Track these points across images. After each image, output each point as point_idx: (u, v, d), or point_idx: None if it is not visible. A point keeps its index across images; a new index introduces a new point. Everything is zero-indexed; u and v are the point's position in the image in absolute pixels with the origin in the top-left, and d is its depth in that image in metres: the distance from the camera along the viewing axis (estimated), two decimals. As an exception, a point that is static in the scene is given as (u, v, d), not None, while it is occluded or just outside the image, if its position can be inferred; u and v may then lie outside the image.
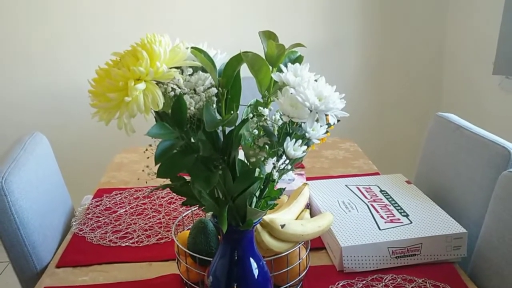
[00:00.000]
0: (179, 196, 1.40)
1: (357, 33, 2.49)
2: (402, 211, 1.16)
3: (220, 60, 0.72)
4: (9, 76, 2.40)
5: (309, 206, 1.24)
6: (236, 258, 0.77)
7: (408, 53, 2.55)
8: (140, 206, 1.36)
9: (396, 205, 1.19)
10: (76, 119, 2.47)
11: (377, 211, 1.16)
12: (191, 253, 0.93)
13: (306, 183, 1.10)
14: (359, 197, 1.24)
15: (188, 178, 0.72)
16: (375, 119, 2.64)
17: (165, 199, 1.40)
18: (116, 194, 1.43)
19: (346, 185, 1.31)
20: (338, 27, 2.47)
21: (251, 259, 0.78)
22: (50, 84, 2.42)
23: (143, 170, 1.59)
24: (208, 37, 2.34)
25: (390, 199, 1.22)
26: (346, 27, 2.48)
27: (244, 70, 0.70)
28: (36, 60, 2.38)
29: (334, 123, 0.65)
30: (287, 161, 0.68)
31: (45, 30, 2.34)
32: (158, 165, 0.64)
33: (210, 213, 1.06)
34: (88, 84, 0.67)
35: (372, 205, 1.20)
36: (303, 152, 0.66)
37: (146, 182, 1.49)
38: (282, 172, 0.70)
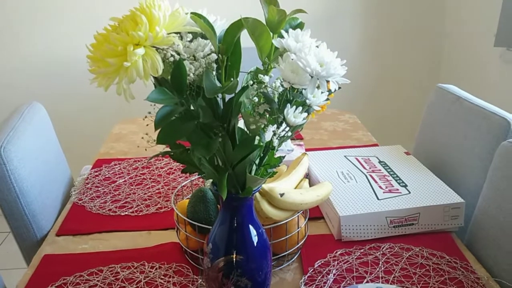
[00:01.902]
0: (178, 167, 1.41)
1: (357, 3, 2.46)
2: (401, 181, 1.16)
3: (220, 26, 0.71)
4: (6, 44, 2.37)
5: (308, 176, 1.24)
6: (235, 225, 0.78)
7: (409, 24, 2.52)
8: (139, 176, 1.36)
9: (395, 175, 1.20)
10: (74, 89, 2.45)
11: (376, 182, 1.17)
12: (190, 221, 0.93)
13: (305, 153, 1.10)
14: (358, 168, 1.24)
15: (188, 146, 0.72)
16: (374, 91, 2.63)
17: (164, 169, 1.40)
18: (115, 165, 1.43)
19: (345, 156, 1.31)
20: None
21: (250, 227, 0.78)
22: (47, 52, 2.39)
23: (142, 138, 1.59)
24: (207, 3, 2.31)
25: (389, 170, 1.23)
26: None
27: (243, 41, 0.69)
28: (32, 27, 2.35)
29: (335, 90, 0.65)
30: (287, 129, 0.68)
31: (40, -1, 2.30)
32: (157, 132, 0.64)
33: (209, 182, 1.06)
34: (85, 51, 0.66)
35: (370, 175, 1.20)
36: (304, 119, 0.66)
37: (146, 150, 1.49)
38: (282, 139, 0.70)
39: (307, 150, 1.40)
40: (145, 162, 1.44)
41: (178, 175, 1.36)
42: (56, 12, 2.33)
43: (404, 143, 1.56)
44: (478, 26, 2.24)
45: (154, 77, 0.68)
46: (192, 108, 0.68)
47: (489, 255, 1.00)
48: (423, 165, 1.25)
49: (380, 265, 0.96)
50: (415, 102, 2.64)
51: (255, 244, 0.79)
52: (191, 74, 0.65)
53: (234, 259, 0.77)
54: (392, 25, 2.51)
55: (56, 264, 0.99)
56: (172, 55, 0.64)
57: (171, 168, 1.40)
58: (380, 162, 1.27)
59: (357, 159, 1.30)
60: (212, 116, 0.67)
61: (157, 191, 1.28)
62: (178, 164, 1.43)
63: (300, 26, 0.73)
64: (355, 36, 2.52)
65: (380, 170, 1.23)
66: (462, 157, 1.26)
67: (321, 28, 2.44)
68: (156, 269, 0.96)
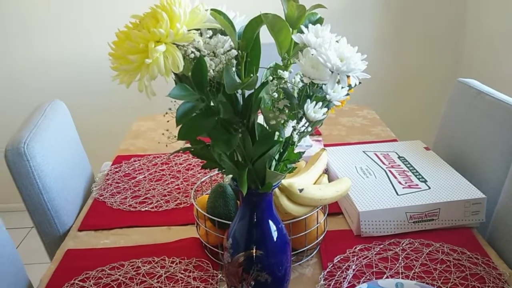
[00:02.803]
0: (197, 163, 1.42)
1: (377, 0, 2.44)
2: (421, 177, 1.16)
3: (239, 22, 0.71)
4: (26, 44, 2.40)
5: (327, 171, 1.24)
6: (255, 220, 0.78)
7: (428, 19, 2.49)
8: (159, 172, 1.38)
9: (414, 171, 1.19)
10: (94, 86, 2.48)
11: (395, 177, 1.16)
12: (210, 216, 0.94)
13: (324, 149, 1.10)
14: (377, 163, 1.24)
15: (208, 142, 0.72)
16: (393, 86, 2.61)
17: (183, 165, 1.41)
18: (135, 161, 1.45)
19: (363, 151, 1.31)
20: (356, -8, 2.42)
21: (270, 222, 0.79)
22: (68, 51, 2.43)
23: (163, 134, 1.60)
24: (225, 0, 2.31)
25: (408, 165, 1.22)
26: (364, -8, 2.43)
27: (262, 36, 0.69)
28: (54, 27, 2.38)
29: (355, 84, 0.65)
30: (307, 124, 0.68)
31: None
32: (178, 128, 0.65)
33: (228, 178, 1.07)
34: (106, 50, 0.66)
35: (390, 171, 1.19)
36: (324, 114, 0.66)
37: (167, 146, 1.50)
38: (302, 134, 0.70)
39: (325, 145, 1.40)
40: (164, 158, 1.45)
41: (197, 171, 1.37)
42: (75, 11, 2.36)
43: (423, 139, 1.55)
44: (499, 20, 2.20)
45: (175, 74, 0.69)
46: (212, 104, 0.68)
47: (511, 250, 0.99)
48: (443, 161, 1.24)
49: (400, 261, 0.96)
50: (435, 97, 2.61)
51: (274, 239, 0.79)
52: (211, 71, 0.66)
53: (254, 254, 0.78)
54: (411, 20, 2.49)
55: (78, 258, 1.00)
56: (192, 52, 0.65)
57: (190, 164, 1.42)
58: (399, 157, 1.27)
59: (376, 154, 1.29)
60: (232, 112, 0.67)
61: (176, 187, 1.29)
62: (196, 160, 1.43)
63: (320, 21, 0.73)
64: (374, 31, 2.50)
65: (399, 165, 1.22)
66: (483, 152, 1.24)
67: (339, 23, 2.43)
68: (177, 264, 0.97)
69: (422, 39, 2.53)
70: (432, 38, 2.53)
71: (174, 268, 0.96)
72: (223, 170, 0.75)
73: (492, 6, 2.25)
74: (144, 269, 0.96)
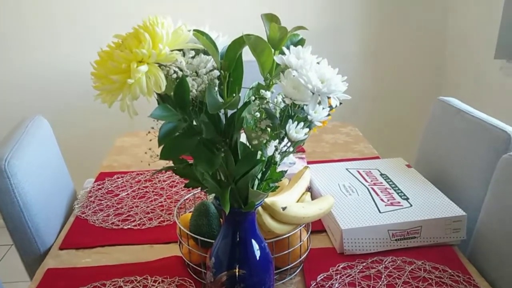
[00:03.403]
0: (180, 180, 1.41)
1: (357, 16, 2.48)
2: (402, 194, 1.17)
3: (222, 43, 0.72)
4: (8, 59, 2.39)
5: (309, 189, 1.24)
6: (238, 239, 0.78)
7: (409, 37, 2.53)
8: (142, 189, 1.37)
9: (396, 188, 1.20)
10: (77, 103, 2.46)
11: (378, 194, 1.17)
12: (193, 235, 0.93)
13: (307, 166, 1.10)
14: (359, 181, 1.25)
15: (190, 161, 0.73)
16: (375, 103, 2.64)
17: (166, 182, 1.40)
18: (118, 178, 1.44)
19: (346, 169, 1.32)
20: (338, 11, 2.46)
21: (253, 241, 0.79)
22: (49, 67, 2.41)
23: (145, 153, 1.59)
24: (209, 19, 2.33)
25: (391, 183, 1.23)
26: (345, 10, 2.46)
27: (244, 54, 0.70)
28: (35, 43, 2.37)
29: (336, 105, 0.66)
30: (289, 144, 0.69)
31: (44, 11, 2.33)
32: (161, 147, 0.65)
33: (211, 196, 1.07)
34: (89, 67, 0.67)
35: (372, 188, 1.20)
36: (305, 134, 0.66)
37: (149, 165, 1.49)
38: (284, 154, 0.70)
39: (308, 162, 1.40)
40: (147, 175, 1.44)
41: (181, 188, 1.37)
42: (58, 27, 2.35)
43: (405, 155, 1.57)
44: (479, 38, 2.25)
45: (157, 93, 0.69)
46: (194, 123, 0.68)
47: (491, 268, 1.00)
48: (425, 178, 1.26)
49: (382, 279, 0.96)
50: (416, 114, 2.65)
51: (257, 258, 0.79)
52: (194, 90, 0.66)
53: (237, 273, 0.77)
54: (392, 37, 2.53)
55: (59, 278, 0.99)
56: (175, 72, 0.65)
57: (173, 181, 1.41)
58: (381, 175, 1.28)
59: (358, 172, 1.30)
60: (214, 132, 0.68)
61: (159, 204, 1.28)
62: (180, 177, 1.43)
63: (301, 42, 0.74)
64: (355, 49, 2.54)
65: (381, 183, 1.23)
66: (463, 170, 1.26)
67: (321, 41, 2.46)
68: (159, 283, 0.96)
69: (404, 56, 2.57)
70: (414, 56, 2.57)
71: (156, 287, 0.95)
72: (206, 189, 0.75)
73: (474, 24, 2.31)
74: (125, 289, 0.95)
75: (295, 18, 2.40)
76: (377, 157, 1.53)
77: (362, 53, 2.54)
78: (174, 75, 0.65)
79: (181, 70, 0.66)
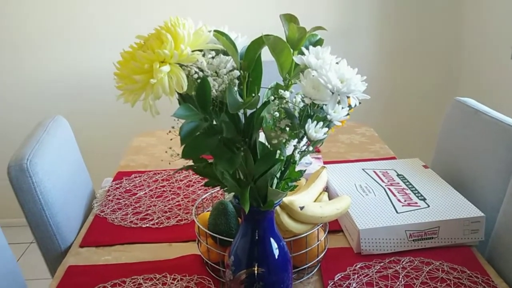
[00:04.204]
0: (197, 179, 1.43)
1: (373, 17, 2.47)
2: (420, 195, 1.17)
3: (241, 43, 0.73)
4: (29, 61, 2.43)
5: (326, 189, 1.25)
6: (257, 238, 0.79)
7: (425, 36, 2.52)
8: (159, 188, 1.38)
9: (414, 189, 1.20)
10: (95, 103, 2.49)
11: (394, 195, 1.17)
12: (212, 233, 0.94)
13: (324, 166, 1.11)
14: (376, 181, 1.25)
15: (210, 160, 0.74)
16: (391, 103, 2.63)
17: (183, 182, 1.42)
18: (136, 177, 1.45)
19: (363, 169, 1.32)
20: (353, 11, 2.45)
21: (272, 239, 0.80)
22: (69, 68, 2.45)
23: (166, 152, 1.61)
24: (228, 20, 2.35)
25: (407, 183, 1.23)
26: (360, 10, 2.46)
27: (262, 54, 0.71)
28: (55, 45, 2.41)
29: (355, 105, 0.66)
30: (308, 143, 0.69)
31: (66, 14, 2.36)
32: (182, 147, 0.66)
33: (229, 195, 1.08)
34: (107, 68, 0.68)
35: (389, 188, 1.20)
36: (324, 134, 0.67)
37: (169, 164, 1.50)
38: (303, 153, 0.71)
39: (324, 162, 1.41)
40: (165, 175, 1.46)
41: (198, 187, 1.38)
42: (76, 30, 2.39)
43: (421, 156, 1.56)
44: (495, 38, 2.23)
45: (178, 93, 0.70)
46: (215, 123, 0.69)
47: (510, 269, 0.99)
48: (442, 179, 1.25)
49: (400, 279, 0.96)
50: (432, 115, 2.63)
51: (276, 257, 0.80)
52: (214, 90, 0.67)
53: (256, 272, 0.78)
54: (409, 37, 2.52)
55: (80, 275, 1.01)
56: (196, 72, 0.66)
57: (190, 181, 1.42)
58: (398, 175, 1.28)
59: (375, 172, 1.30)
60: (235, 131, 0.69)
61: (177, 203, 1.30)
62: (197, 177, 1.44)
63: (320, 42, 0.74)
64: (371, 49, 2.53)
65: (398, 183, 1.23)
66: (481, 170, 1.25)
67: (336, 42, 2.46)
68: (178, 281, 0.97)
69: (419, 56, 2.56)
70: (429, 55, 2.56)
71: (175, 285, 0.96)
72: (225, 188, 0.76)
73: (491, 24, 2.29)
74: (145, 286, 0.96)
75: (311, 19, 2.41)
76: (393, 158, 1.52)
77: (377, 53, 2.54)
78: (195, 75, 0.66)
79: (201, 70, 0.67)
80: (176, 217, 1.22)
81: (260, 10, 2.41)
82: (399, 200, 1.14)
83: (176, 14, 0.71)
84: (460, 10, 2.47)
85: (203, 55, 0.71)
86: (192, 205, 1.27)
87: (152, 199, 1.32)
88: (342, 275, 0.98)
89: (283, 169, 0.75)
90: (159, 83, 0.62)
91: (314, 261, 0.98)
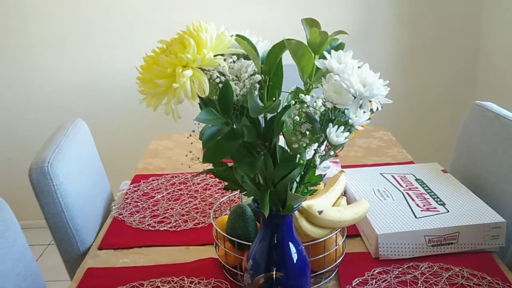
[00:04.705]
0: (214, 183, 1.43)
1: (390, 20, 2.46)
2: (439, 199, 1.15)
3: (262, 47, 0.73)
4: (48, 63, 2.46)
5: (345, 193, 1.24)
6: (275, 242, 0.79)
7: (443, 39, 2.50)
8: (177, 192, 1.39)
9: (432, 193, 1.19)
10: (113, 107, 2.52)
11: (413, 200, 1.16)
12: (230, 237, 0.95)
13: (343, 171, 1.10)
14: (394, 186, 1.24)
15: (229, 164, 0.74)
16: (408, 107, 2.61)
17: (200, 185, 1.42)
18: (153, 180, 1.46)
19: (381, 173, 1.31)
20: (370, 14, 2.45)
21: (290, 244, 0.80)
22: (88, 72, 2.47)
23: (186, 155, 1.61)
24: (248, 24, 2.36)
25: (426, 188, 1.22)
26: (378, 14, 2.45)
27: (283, 59, 0.71)
28: (73, 49, 2.44)
29: (377, 109, 0.66)
30: (329, 147, 0.69)
31: (85, 18, 2.39)
32: (202, 150, 0.66)
33: (246, 199, 1.08)
34: (125, 71, 0.69)
35: (407, 193, 1.19)
36: (345, 138, 0.67)
37: (189, 167, 1.51)
38: (323, 158, 0.71)
39: (342, 167, 1.40)
40: (182, 178, 1.46)
41: (215, 191, 1.38)
42: (95, 33, 2.41)
43: (439, 160, 1.54)
44: (515, 41, 2.21)
45: (200, 97, 0.71)
46: (235, 127, 0.70)
47: (532, 276, 0.98)
48: (461, 184, 1.24)
49: (419, 285, 0.95)
50: (451, 118, 2.61)
51: (294, 261, 0.80)
52: (235, 95, 0.67)
53: (274, 276, 0.78)
54: (426, 40, 2.50)
55: (98, 277, 1.02)
56: (218, 76, 0.66)
57: (207, 184, 1.43)
58: (417, 179, 1.27)
59: (393, 176, 1.29)
60: (255, 135, 0.69)
61: (194, 206, 1.30)
62: (214, 180, 1.45)
63: (341, 46, 0.74)
64: (388, 52, 2.52)
65: (417, 188, 1.22)
66: (501, 175, 1.24)
67: (353, 45, 2.45)
68: (196, 284, 0.98)
69: (437, 59, 2.54)
70: (447, 58, 2.53)
71: (193, 288, 0.96)
72: (245, 192, 0.76)
73: (509, 25, 2.26)
74: (163, 289, 0.97)
75: (327, 21, 2.40)
76: (411, 162, 1.51)
77: (394, 56, 2.52)
78: (217, 80, 0.66)
79: (223, 74, 0.68)
80: (193, 220, 1.23)
81: (280, 14, 2.41)
82: (417, 205, 1.13)
83: (195, 16, 0.72)
84: (478, 11, 2.45)
85: (224, 60, 0.72)
86: (210, 209, 1.28)
87: (170, 202, 1.33)
88: (360, 280, 0.97)
89: (302, 173, 0.75)
90: (182, 87, 0.63)
91: (332, 266, 0.97)
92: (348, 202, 1.07)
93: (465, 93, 2.58)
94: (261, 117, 0.72)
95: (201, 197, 1.35)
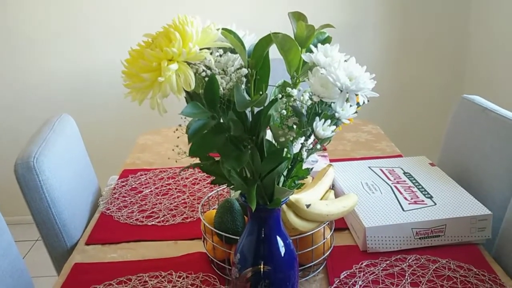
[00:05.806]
0: (203, 177, 1.43)
1: (380, 15, 2.46)
2: (426, 192, 1.16)
3: (249, 41, 0.73)
4: (35, 58, 2.43)
5: (333, 187, 1.24)
6: (263, 236, 0.79)
7: (432, 33, 2.51)
8: (165, 186, 1.38)
9: (420, 187, 1.19)
10: (100, 101, 2.50)
11: (401, 193, 1.17)
12: (218, 231, 0.94)
13: (331, 164, 1.10)
14: (382, 179, 1.24)
15: (217, 158, 0.73)
16: (397, 101, 2.62)
17: (189, 180, 1.42)
18: (141, 175, 1.46)
19: (369, 167, 1.32)
20: (359, 9, 2.45)
21: (278, 237, 0.79)
22: (75, 66, 2.45)
23: (173, 149, 1.61)
24: (235, 18, 2.34)
25: (414, 181, 1.22)
26: (367, 8, 2.45)
27: (270, 52, 0.71)
28: (59, 41, 2.41)
29: (363, 102, 0.66)
30: (315, 141, 0.69)
31: (71, 11, 2.36)
32: (189, 145, 0.66)
33: (235, 193, 1.08)
34: (112, 66, 0.68)
35: (395, 186, 1.20)
36: (332, 132, 0.67)
37: (176, 162, 1.50)
38: (310, 151, 0.71)
39: (330, 160, 1.41)
40: (170, 173, 1.46)
41: (203, 185, 1.38)
42: (82, 27, 2.39)
43: (428, 154, 1.55)
44: (503, 36, 2.22)
45: (186, 91, 0.70)
46: (222, 121, 0.69)
47: (517, 268, 0.99)
48: (449, 177, 1.25)
49: (406, 277, 0.96)
50: (439, 112, 2.62)
51: (282, 254, 0.80)
52: (222, 88, 0.67)
53: (262, 270, 0.78)
54: (416, 35, 2.51)
55: (86, 272, 1.01)
56: (204, 70, 0.66)
57: (196, 179, 1.42)
58: (405, 173, 1.27)
59: (381, 170, 1.30)
60: (242, 129, 0.68)
61: (182, 201, 1.30)
62: (203, 174, 1.44)
63: (328, 40, 0.74)
64: (377, 46, 2.52)
65: (405, 181, 1.23)
66: (488, 168, 1.25)
67: (343, 40, 2.45)
68: (184, 278, 0.97)
69: (426, 54, 2.55)
70: (436, 53, 2.55)
71: (181, 282, 0.96)
72: (232, 186, 0.76)
73: (497, 21, 2.28)
74: (151, 284, 0.96)
75: (317, 16, 2.40)
76: (400, 156, 1.52)
77: (383, 51, 2.53)
78: (203, 73, 0.66)
79: (209, 68, 0.67)
80: (181, 215, 1.22)
81: (267, 8, 2.40)
82: (405, 198, 1.14)
83: (183, 11, 0.71)
84: (467, 7, 2.46)
85: (211, 53, 0.71)
86: (198, 203, 1.28)
87: (158, 197, 1.32)
88: (348, 273, 0.98)
89: (290, 167, 0.75)
90: (167, 81, 0.62)
91: (320, 259, 0.97)
92: (336, 196, 1.08)
93: (453, 88, 2.60)
94: (248, 111, 0.72)
95: (190, 191, 1.35)
